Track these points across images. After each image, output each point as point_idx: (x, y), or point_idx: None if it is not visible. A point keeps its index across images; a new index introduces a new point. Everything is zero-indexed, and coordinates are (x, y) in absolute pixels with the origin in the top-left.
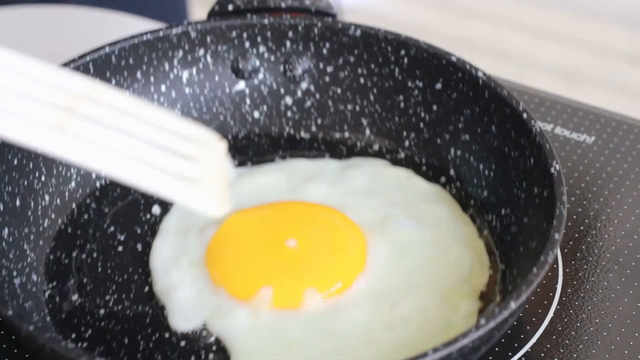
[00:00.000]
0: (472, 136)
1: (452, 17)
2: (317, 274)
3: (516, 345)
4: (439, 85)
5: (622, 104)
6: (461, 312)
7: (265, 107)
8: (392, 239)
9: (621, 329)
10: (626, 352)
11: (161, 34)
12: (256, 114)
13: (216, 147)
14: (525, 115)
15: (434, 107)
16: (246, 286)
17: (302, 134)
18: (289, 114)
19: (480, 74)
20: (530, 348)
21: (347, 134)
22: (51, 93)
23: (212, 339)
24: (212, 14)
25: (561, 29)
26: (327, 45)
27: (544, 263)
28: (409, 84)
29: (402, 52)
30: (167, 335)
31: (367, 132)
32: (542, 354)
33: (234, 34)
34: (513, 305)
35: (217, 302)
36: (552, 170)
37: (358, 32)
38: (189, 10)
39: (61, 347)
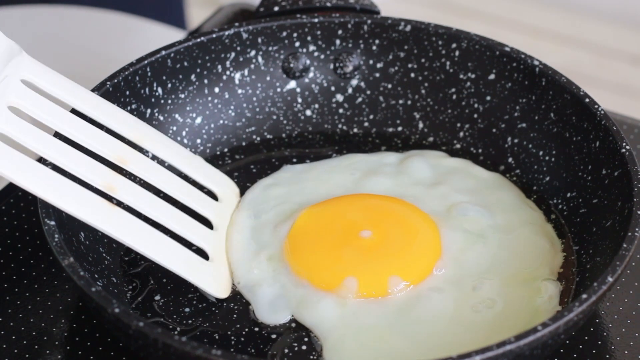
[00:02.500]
0: (529, 124)
1: (452, 17)
2: (398, 261)
3: None
4: (492, 76)
5: (622, 104)
6: (543, 294)
7: (317, 105)
8: (462, 226)
9: (621, 329)
10: (626, 352)
11: (214, 35)
12: (308, 112)
13: (232, 198)
14: (587, 100)
15: (488, 98)
16: (331, 277)
17: (355, 129)
18: (341, 110)
19: (536, 63)
20: None
21: (400, 128)
22: (94, 167)
23: (303, 330)
24: (257, 16)
25: (561, 29)
26: (377, 41)
27: (632, 238)
28: (461, 76)
29: (453, 45)
30: (256, 329)
31: (420, 125)
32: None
33: (284, 33)
34: (610, 278)
35: (302, 294)
36: (623, 150)
37: (408, 28)
38: (186, 10)
39: (175, 341)
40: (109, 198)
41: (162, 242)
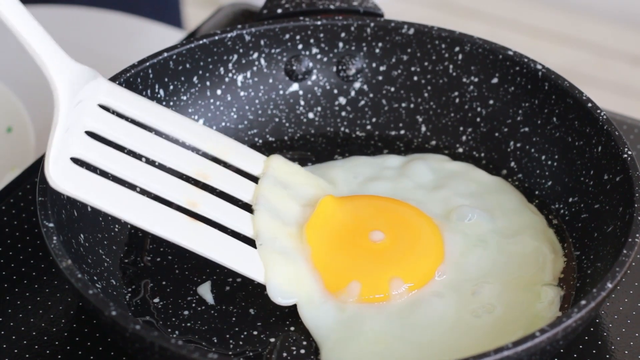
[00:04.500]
0: (531, 128)
1: (452, 17)
2: (404, 266)
3: None
4: (495, 80)
5: (622, 104)
6: (544, 299)
7: (319, 108)
8: (464, 230)
9: (621, 329)
10: (626, 352)
11: (216, 37)
12: (311, 115)
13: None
14: (590, 104)
15: (491, 102)
16: (339, 281)
17: (358, 132)
18: (343, 113)
19: (539, 67)
20: None
21: (402, 132)
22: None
23: (301, 334)
24: (260, 18)
25: (561, 29)
26: (380, 44)
27: (633, 244)
28: (464, 79)
29: (457, 49)
30: (255, 332)
31: (423, 128)
32: None
33: (287, 36)
34: (609, 285)
35: (311, 289)
36: (625, 155)
37: (411, 31)
38: (183, 9)
39: (171, 344)
40: (189, 211)
41: (246, 253)
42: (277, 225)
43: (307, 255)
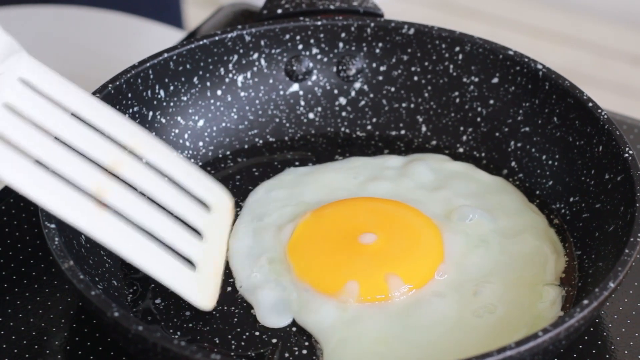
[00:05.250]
0: (532, 128)
1: (452, 17)
2: (400, 265)
3: None
4: (495, 80)
5: (622, 104)
6: (545, 299)
7: (319, 108)
8: (464, 230)
9: (621, 329)
10: (626, 352)
11: (217, 38)
12: (311, 115)
13: (225, 210)
14: (590, 104)
15: (491, 102)
16: (332, 281)
17: (358, 132)
18: (344, 114)
19: (539, 67)
20: None
21: (403, 132)
22: (86, 171)
23: (303, 334)
24: (260, 18)
25: (561, 29)
26: (380, 44)
27: (634, 243)
28: (464, 79)
29: (457, 49)
30: (257, 333)
31: (424, 129)
32: None
33: (287, 36)
34: (612, 284)
35: (304, 298)
36: (626, 155)
37: (411, 31)
38: (184, 10)
39: (174, 345)
40: (100, 203)
41: (148, 248)
42: (252, 261)
43: (291, 272)
